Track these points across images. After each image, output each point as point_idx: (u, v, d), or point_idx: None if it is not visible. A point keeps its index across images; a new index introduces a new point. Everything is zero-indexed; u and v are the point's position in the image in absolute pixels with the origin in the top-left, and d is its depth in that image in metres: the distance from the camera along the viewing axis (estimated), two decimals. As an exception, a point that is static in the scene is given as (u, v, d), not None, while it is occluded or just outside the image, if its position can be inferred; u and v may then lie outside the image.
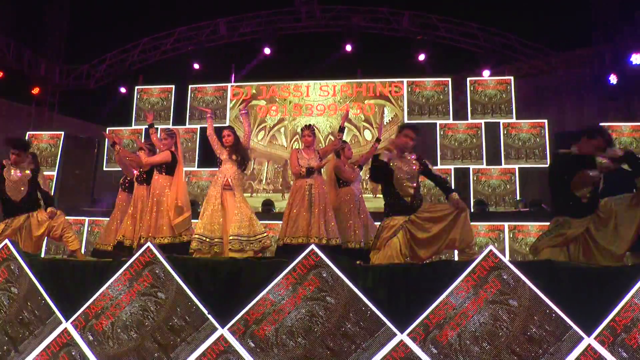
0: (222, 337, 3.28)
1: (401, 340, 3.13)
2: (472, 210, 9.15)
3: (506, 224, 8.43)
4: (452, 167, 9.57)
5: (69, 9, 12.27)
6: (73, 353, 3.48)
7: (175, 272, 3.46)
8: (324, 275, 3.29)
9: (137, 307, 3.46)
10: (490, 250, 3.24)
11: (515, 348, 3.04)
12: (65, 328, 3.54)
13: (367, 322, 3.18)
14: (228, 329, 3.29)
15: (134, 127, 10.28)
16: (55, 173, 9.72)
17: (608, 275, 3.26)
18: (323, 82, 10.33)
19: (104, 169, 10.29)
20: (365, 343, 3.14)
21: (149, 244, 3.58)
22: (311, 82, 10.29)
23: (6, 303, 3.68)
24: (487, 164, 9.56)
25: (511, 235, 8.36)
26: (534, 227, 8.20)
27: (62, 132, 10.06)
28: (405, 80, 9.98)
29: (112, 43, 11.93)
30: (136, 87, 10.49)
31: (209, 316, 3.34)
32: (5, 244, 3.79)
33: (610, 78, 10.25)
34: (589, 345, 3.00)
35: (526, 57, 11.67)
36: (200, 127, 10.11)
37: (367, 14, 11.70)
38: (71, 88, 12.15)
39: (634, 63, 9.43)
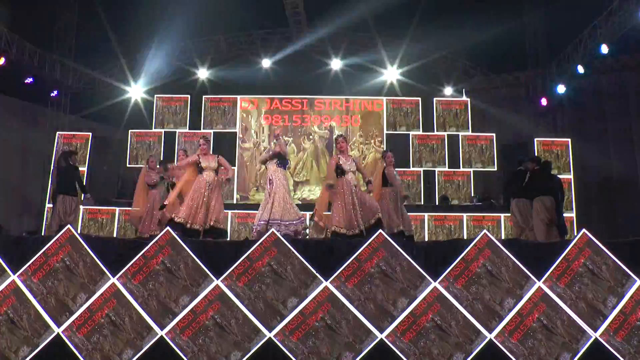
0: (326, 287, 5.35)
1: (435, 286, 5.33)
2: (437, 203, 11.61)
3: (464, 215, 10.93)
4: (421, 169, 11.96)
5: (76, 17, 13.46)
6: (226, 299, 5.40)
7: (292, 247, 5.48)
8: (389, 247, 5.44)
9: (269, 268, 5.44)
10: (484, 233, 5.52)
11: (502, 287, 5.32)
12: (217, 284, 5.45)
13: (415, 276, 5.35)
14: (330, 282, 5.36)
15: (154, 129, 11.87)
16: (85, 169, 11.19)
17: (551, 247, 5.65)
18: (317, 97, 12.39)
19: (127, 165, 11.81)
20: (416, 288, 5.33)
21: (273, 229, 5.57)
22: (307, 97, 12.31)
23: (175, 272, 5.52)
24: (448, 168, 11.97)
25: (469, 224, 10.87)
26: (486, 217, 10.75)
27: (90, 133, 11.49)
28: (384, 98, 12.23)
29: (120, 51, 13.31)
30: (155, 96, 12.04)
31: (317, 274, 5.39)
32: (167, 230, 5.63)
33: (541, 100, 12.94)
34: (539, 286, 5.34)
35: (474, 78, 14.25)
36: (214, 132, 11.87)
37: (347, 37, 13.83)
38: (82, 91, 13.43)
39: (558, 92, 12.13)
